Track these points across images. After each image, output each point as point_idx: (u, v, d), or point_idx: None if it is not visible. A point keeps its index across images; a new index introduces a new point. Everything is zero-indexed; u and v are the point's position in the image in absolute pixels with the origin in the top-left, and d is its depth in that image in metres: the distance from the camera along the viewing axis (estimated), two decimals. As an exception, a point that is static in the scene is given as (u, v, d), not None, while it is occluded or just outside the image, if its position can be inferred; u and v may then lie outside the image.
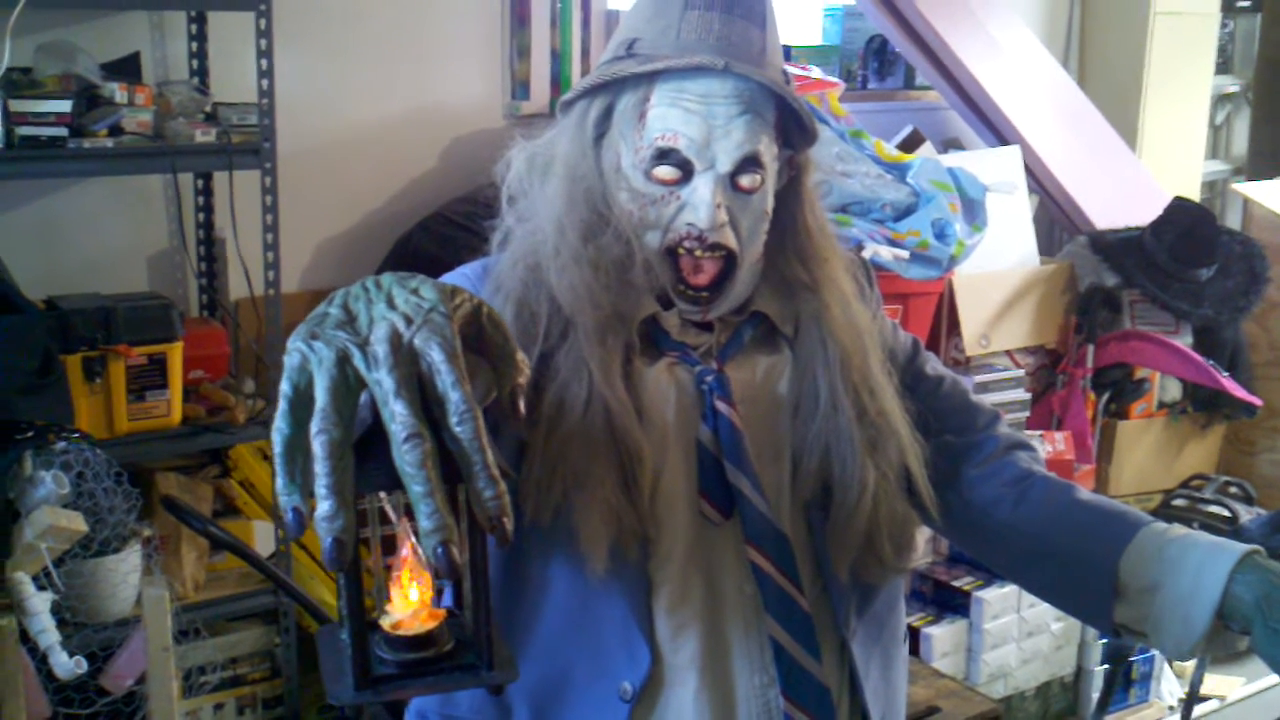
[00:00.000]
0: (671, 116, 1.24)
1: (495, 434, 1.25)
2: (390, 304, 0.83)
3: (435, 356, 0.80)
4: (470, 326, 0.87)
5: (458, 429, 0.78)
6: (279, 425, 0.79)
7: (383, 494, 0.85)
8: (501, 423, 0.94)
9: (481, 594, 0.89)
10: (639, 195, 1.27)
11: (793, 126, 1.31)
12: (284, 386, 0.80)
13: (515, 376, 0.87)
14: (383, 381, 0.78)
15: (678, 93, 1.24)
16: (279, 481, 0.79)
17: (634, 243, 1.27)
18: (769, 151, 1.28)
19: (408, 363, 0.79)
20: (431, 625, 0.91)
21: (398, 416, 0.78)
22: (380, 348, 0.79)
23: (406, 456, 0.77)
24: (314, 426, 0.78)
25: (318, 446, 0.77)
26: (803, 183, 1.35)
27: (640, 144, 1.26)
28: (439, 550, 0.77)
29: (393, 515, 0.91)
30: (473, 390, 0.87)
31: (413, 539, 0.90)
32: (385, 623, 0.91)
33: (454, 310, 0.84)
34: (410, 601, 0.92)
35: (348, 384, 0.79)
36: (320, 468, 0.77)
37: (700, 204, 1.24)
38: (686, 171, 1.25)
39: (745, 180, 1.26)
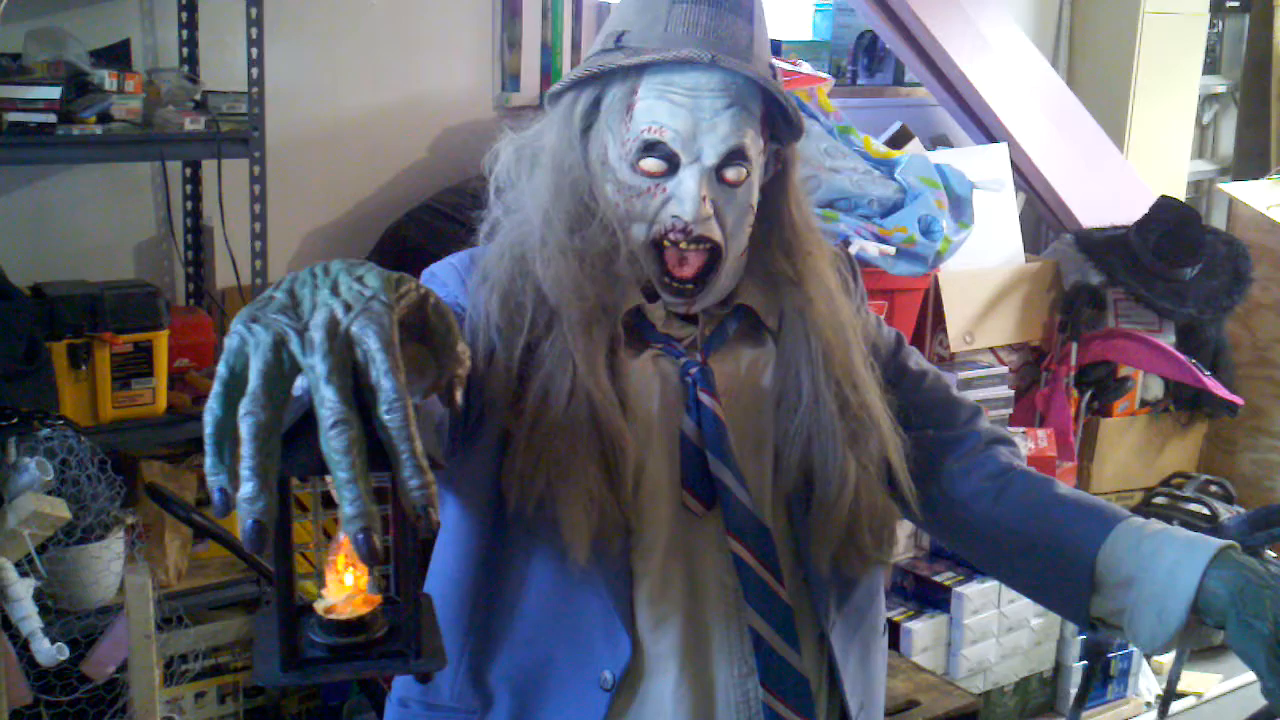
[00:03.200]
0: (658, 109, 1.25)
1: (477, 423, 1.26)
2: (334, 290, 0.83)
3: (371, 344, 0.80)
4: (415, 316, 0.87)
5: (386, 417, 0.79)
6: (211, 406, 0.80)
7: (329, 479, 0.86)
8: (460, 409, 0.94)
9: (411, 582, 0.90)
10: (625, 187, 1.27)
11: (779, 120, 1.32)
12: (220, 368, 0.80)
13: (454, 368, 0.88)
14: (315, 367, 0.79)
15: (665, 85, 1.25)
16: (208, 462, 0.79)
17: (619, 234, 1.28)
18: (754, 145, 1.28)
19: (342, 349, 0.80)
20: (365, 611, 0.92)
21: (326, 402, 0.78)
22: (317, 333, 0.80)
23: (332, 442, 0.78)
24: (241, 409, 0.78)
25: (244, 429, 0.78)
26: (789, 176, 1.36)
27: (627, 136, 1.27)
28: (359, 536, 0.77)
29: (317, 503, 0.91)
30: (419, 381, 0.88)
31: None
32: (319, 607, 0.92)
33: (398, 299, 0.84)
34: (344, 586, 0.92)
35: (281, 368, 0.80)
36: (245, 449, 0.77)
37: (686, 197, 1.25)
38: (672, 164, 1.26)
39: (731, 173, 1.27)
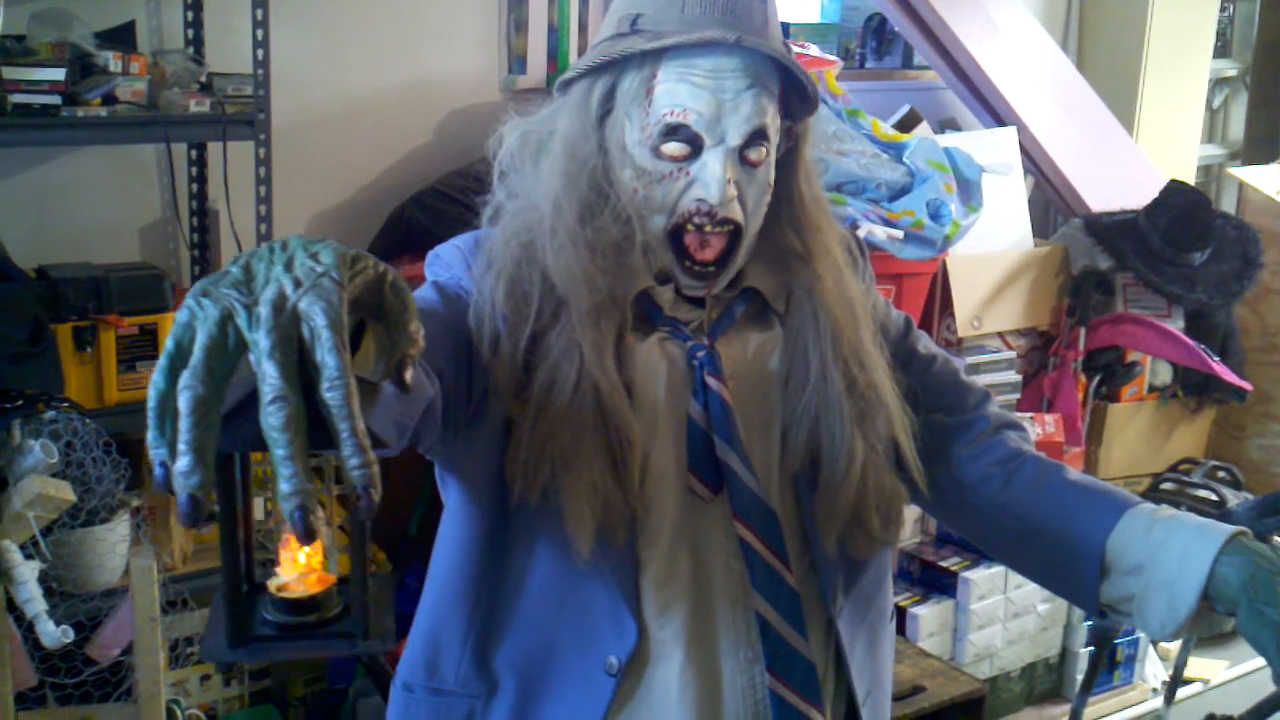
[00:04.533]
0: (680, 92, 1.23)
1: (478, 409, 1.25)
2: (288, 267, 0.82)
3: (318, 321, 0.79)
4: (372, 294, 0.87)
5: (327, 395, 0.78)
6: (155, 379, 0.79)
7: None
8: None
9: (359, 562, 0.89)
10: (645, 173, 1.26)
11: (793, 97, 1.31)
12: (168, 342, 0.80)
13: (407, 348, 0.87)
14: (259, 342, 0.78)
15: (686, 68, 1.23)
16: (149, 435, 0.79)
17: (635, 223, 1.27)
18: (774, 124, 1.27)
19: (287, 325, 0.79)
20: (318, 590, 0.92)
21: (266, 378, 0.77)
22: (263, 309, 0.79)
23: (270, 419, 0.77)
24: (180, 382, 0.77)
25: (181, 402, 0.77)
26: (800, 152, 1.35)
27: (647, 121, 1.25)
28: (295, 514, 0.77)
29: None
30: (376, 360, 0.87)
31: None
32: (272, 585, 0.92)
33: (353, 276, 0.83)
34: (297, 565, 0.93)
35: (226, 343, 0.79)
36: (182, 423, 0.77)
37: (711, 179, 1.24)
38: (695, 147, 1.25)
39: (752, 154, 1.26)
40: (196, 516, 0.77)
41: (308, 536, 0.77)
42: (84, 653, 2.36)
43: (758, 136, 1.25)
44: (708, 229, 1.25)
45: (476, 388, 1.26)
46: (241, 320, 0.79)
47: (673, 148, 1.24)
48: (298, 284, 0.80)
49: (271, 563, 0.95)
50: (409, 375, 0.85)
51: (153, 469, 0.79)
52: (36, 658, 2.29)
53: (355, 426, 0.78)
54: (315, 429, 0.78)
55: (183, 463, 0.76)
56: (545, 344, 1.25)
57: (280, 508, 0.77)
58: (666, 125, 1.24)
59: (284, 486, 0.77)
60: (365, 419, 0.84)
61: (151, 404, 0.79)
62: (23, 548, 2.17)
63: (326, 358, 0.78)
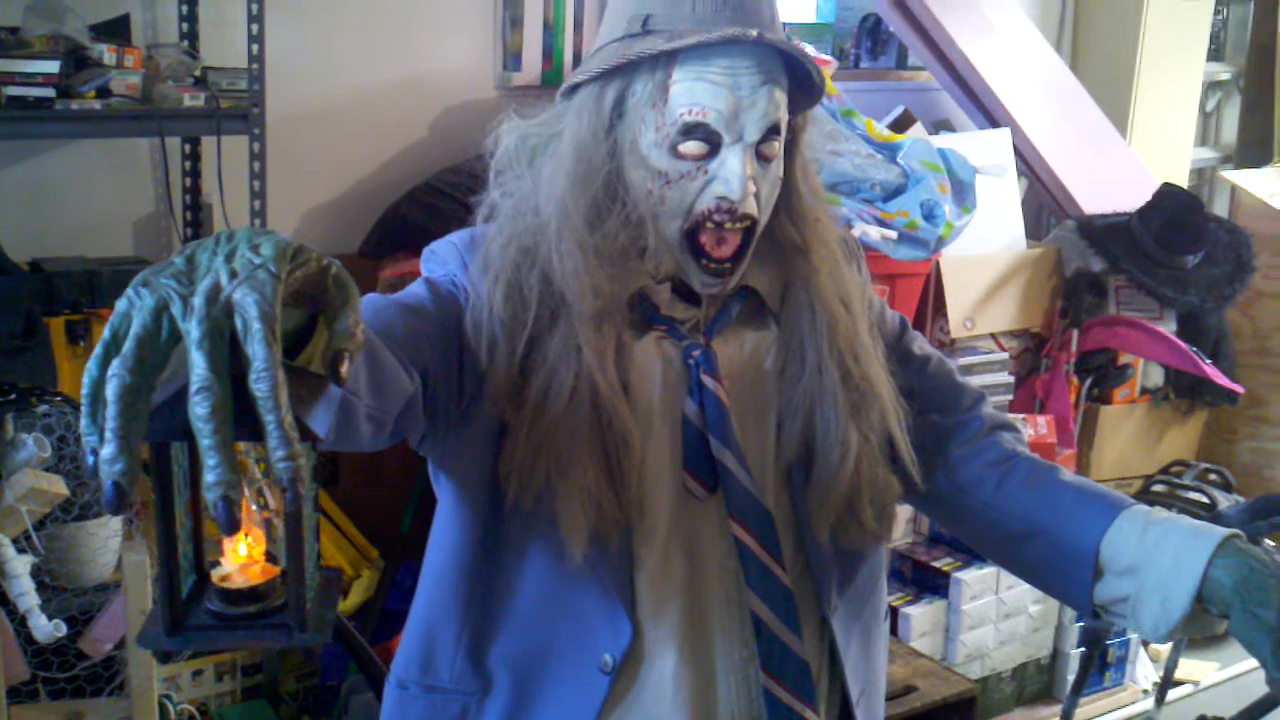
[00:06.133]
0: (698, 91, 1.23)
1: (468, 409, 1.25)
2: (229, 258, 0.82)
3: (250, 313, 0.79)
4: (315, 287, 0.87)
5: (254, 386, 0.78)
6: (89, 367, 0.80)
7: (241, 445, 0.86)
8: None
9: (295, 554, 0.90)
10: (660, 174, 1.25)
11: (795, 89, 1.31)
12: (105, 330, 0.80)
13: (344, 342, 0.87)
14: (190, 332, 0.78)
15: (702, 66, 1.23)
16: (82, 422, 0.80)
17: (647, 225, 1.27)
18: (784, 118, 1.28)
19: (220, 317, 0.79)
20: (259, 581, 0.92)
21: (194, 368, 0.78)
22: (197, 299, 0.79)
23: (195, 409, 0.77)
24: (110, 370, 0.78)
25: (109, 390, 0.77)
26: (799, 143, 1.35)
27: (663, 121, 1.24)
28: (219, 504, 0.77)
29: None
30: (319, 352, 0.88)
31: (245, 493, 0.91)
32: (215, 575, 0.93)
33: (294, 269, 0.84)
34: (239, 555, 0.93)
35: (159, 333, 0.79)
36: (109, 411, 0.77)
37: (732, 176, 1.23)
38: (713, 145, 1.24)
39: (767, 148, 1.26)
40: (120, 504, 0.78)
41: (230, 526, 0.78)
42: (76, 647, 2.36)
43: (773, 131, 1.25)
44: (727, 226, 1.25)
45: (469, 385, 1.25)
46: (176, 310, 0.79)
47: (691, 147, 1.24)
48: (234, 275, 0.81)
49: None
50: (344, 369, 0.85)
51: (84, 456, 0.80)
52: (29, 652, 2.28)
53: (282, 418, 0.78)
54: (249, 420, 0.79)
55: (107, 450, 0.77)
56: (542, 348, 1.25)
57: (204, 497, 0.78)
58: (685, 124, 1.23)
59: (208, 476, 0.77)
60: (304, 411, 0.85)
61: (85, 391, 0.80)
62: (15, 542, 2.17)
63: (256, 349, 0.78)
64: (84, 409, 0.80)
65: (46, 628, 2.14)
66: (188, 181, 2.84)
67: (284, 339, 0.88)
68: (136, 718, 2.30)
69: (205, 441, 0.77)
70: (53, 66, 2.32)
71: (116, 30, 2.58)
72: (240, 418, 0.79)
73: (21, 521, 2.14)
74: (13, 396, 2.20)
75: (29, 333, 2.29)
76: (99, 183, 2.77)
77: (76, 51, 2.40)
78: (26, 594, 2.14)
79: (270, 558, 0.94)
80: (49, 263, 2.48)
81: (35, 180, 2.69)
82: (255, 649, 2.56)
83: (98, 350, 0.80)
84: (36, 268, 2.46)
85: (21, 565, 2.15)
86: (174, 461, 0.88)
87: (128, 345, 0.78)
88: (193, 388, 0.77)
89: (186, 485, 0.90)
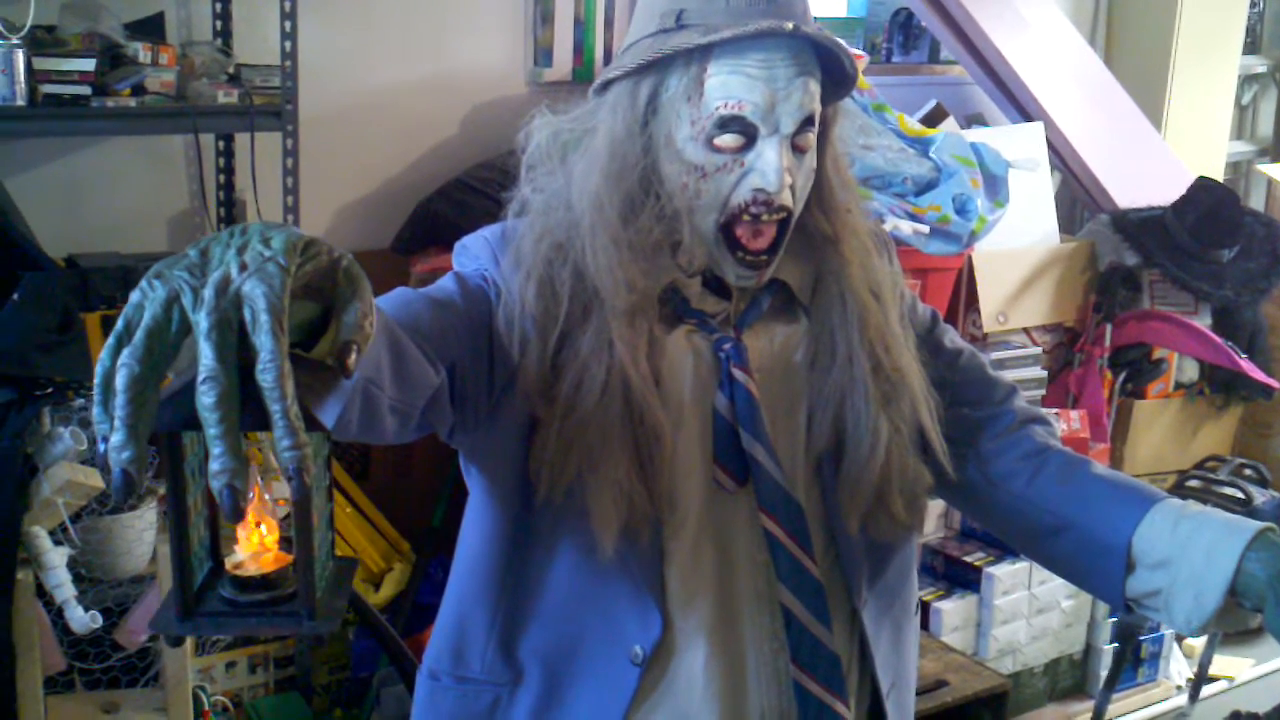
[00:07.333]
0: (734, 84, 1.23)
1: (498, 402, 1.25)
2: (240, 251, 0.83)
3: (258, 305, 0.80)
4: (325, 280, 0.88)
5: (260, 377, 0.79)
6: (101, 357, 0.81)
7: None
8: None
9: (303, 543, 0.91)
10: (696, 168, 1.26)
11: (826, 80, 1.31)
12: (119, 321, 0.82)
13: (354, 335, 0.87)
14: (200, 323, 0.80)
15: (738, 60, 1.23)
16: (94, 411, 0.81)
17: (682, 219, 1.27)
18: (818, 109, 1.28)
19: (228, 308, 0.80)
20: (271, 569, 0.94)
21: (202, 358, 0.79)
22: (208, 291, 0.81)
23: (202, 398, 0.78)
24: (119, 359, 0.79)
25: (118, 379, 0.79)
26: (830, 134, 1.35)
27: (699, 115, 1.25)
28: (224, 492, 0.78)
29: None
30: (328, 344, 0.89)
31: (259, 482, 0.93)
32: (229, 563, 0.94)
33: (303, 262, 0.85)
34: (252, 544, 0.94)
35: (169, 324, 0.80)
36: (117, 400, 0.79)
37: (769, 168, 1.23)
38: (749, 137, 1.24)
39: (802, 140, 1.26)
40: (128, 491, 0.79)
41: (235, 514, 0.79)
42: (111, 638, 2.38)
43: (808, 123, 1.26)
44: (763, 218, 1.25)
45: (499, 379, 1.26)
46: (187, 302, 0.81)
47: (727, 140, 1.24)
48: (244, 268, 0.82)
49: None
50: (351, 361, 0.86)
51: (97, 444, 0.81)
52: (65, 643, 2.31)
53: (287, 408, 0.79)
54: (259, 410, 0.80)
55: (116, 438, 0.78)
56: (574, 343, 1.25)
57: (210, 485, 0.79)
58: (721, 118, 1.23)
59: (213, 465, 0.78)
60: (314, 402, 0.86)
61: (96, 380, 0.81)
62: (52, 534, 2.19)
63: (262, 340, 0.79)
64: (95, 398, 0.81)
65: (83, 619, 2.16)
66: (221, 178, 2.86)
67: (299, 331, 0.89)
68: (171, 709, 2.32)
69: (211, 430, 0.78)
70: (88, 64, 2.34)
71: (151, 28, 2.60)
72: (250, 407, 0.80)
73: (58, 514, 2.16)
74: (49, 391, 2.22)
75: (65, 327, 2.30)
76: (134, 179, 2.79)
77: (112, 49, 2.42)
78: (63, 585, 2.16)
79: (286, 545, 0.95)
80: (84, 259, 2.50)
81: (71, 177, 2.72)
82: (270, 636, 2.57)
83: (110, 341, 0.81)
84: (72, 263, 2.48)
85: (58, 557, 2.17)
86: (189, 451, 0.90)
87: (137, 336, 0.80)
88: (199, 377, 0.79)
89: (202, 474, 0.91)
